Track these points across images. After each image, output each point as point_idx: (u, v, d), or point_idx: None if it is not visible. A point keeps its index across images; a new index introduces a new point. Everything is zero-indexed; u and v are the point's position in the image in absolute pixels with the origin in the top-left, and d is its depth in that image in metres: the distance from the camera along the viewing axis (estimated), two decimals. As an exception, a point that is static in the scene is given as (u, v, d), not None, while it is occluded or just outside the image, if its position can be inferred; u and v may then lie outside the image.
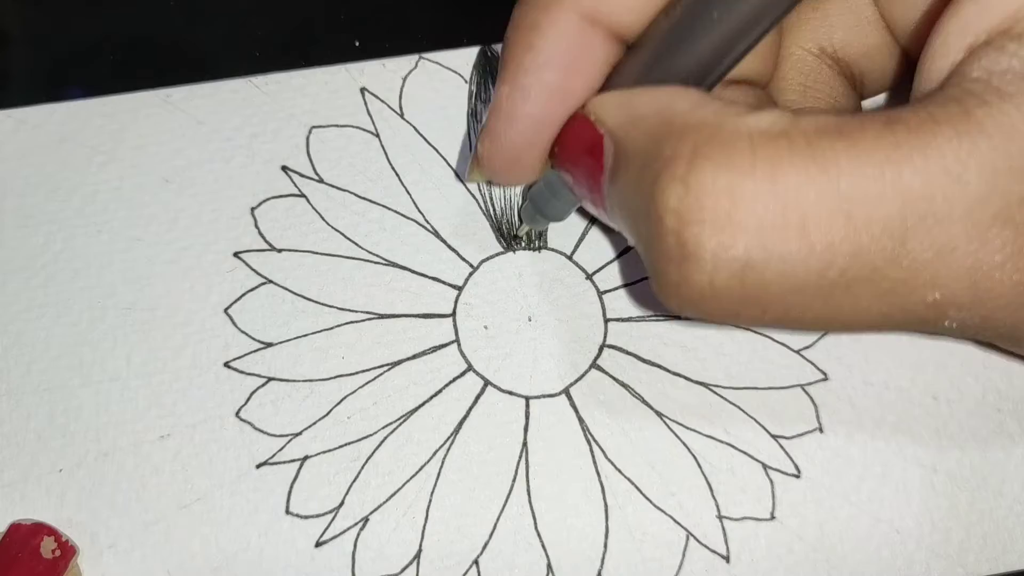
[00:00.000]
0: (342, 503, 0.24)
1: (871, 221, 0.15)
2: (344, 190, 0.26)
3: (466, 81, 0.27)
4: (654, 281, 0.17)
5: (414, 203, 0.26)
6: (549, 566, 0.23)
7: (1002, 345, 0.19)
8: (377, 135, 0.27)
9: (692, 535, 0.23)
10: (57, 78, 0.28)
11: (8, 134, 0.26)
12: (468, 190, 0.26)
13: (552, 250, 0.26)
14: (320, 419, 0.24)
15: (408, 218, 0.26)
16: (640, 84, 0.18)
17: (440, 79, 0.27)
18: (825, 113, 0.16)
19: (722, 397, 0.24)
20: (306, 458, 0.24)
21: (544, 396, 0.24)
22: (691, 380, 0.24)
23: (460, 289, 0.25)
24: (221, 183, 0.26)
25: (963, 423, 0.24)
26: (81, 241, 0.25)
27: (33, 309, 0.25)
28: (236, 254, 0.25)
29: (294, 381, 0.24)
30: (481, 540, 0.23)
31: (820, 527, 0.23)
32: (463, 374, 0.25)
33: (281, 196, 0.26)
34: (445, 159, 0.26)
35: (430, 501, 0.24)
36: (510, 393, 0.24)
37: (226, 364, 0.24)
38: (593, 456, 0.24)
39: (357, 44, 0.28)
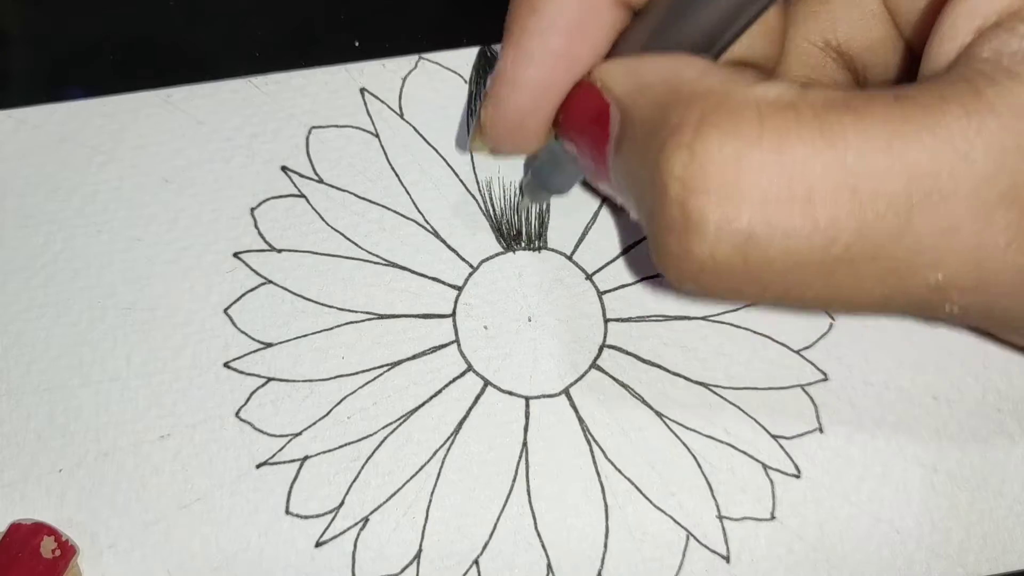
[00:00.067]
0: (342, 503, 0.24)
1: (876, 196, 0.15)
2: (344, 190, 0.26)
3: (466, 81, 0.27)
4: (654, 252, 0.17)
5: (414, 203, 0.26)
6: (549, 566, 0.23)
7: (1002, 334, 0.19)
8: (377, 135, 0.27)
9: (692, 535, 0.23)
10: (57, 78, 0.28)
11: (8, 134, 0.26)
12: (468, 190, 0.26)
13: (552, 250, 0.26)
14: (320, 419, 0.24)
15: (408, 218, 0.26)
16: (647, 51, 0.18)
17: (440, 79, 0.27)
18: (833, 88, 0.16)
19: (722, 397, 0.24)
20: (306, 458, 0.24)
21: (544, 396, 0.24)
22: (691, 380, 0.24)
23: (460, 289, 0.25)
24: (221, 183, 0.26)
25: (963, 423, 0.24)
26: (81, 241, 0.25)
27: (33, 309, 0.25)
28: (236, 254, 0.25)
29: (294, 381, 0.24)
30: (481, 540, 0.23)
31: (820, 527, 0.23)
32: (463, 374, 0.25)
33: (281, 196, 0.26)
34: (445, 159, 0.26)
35: (430, 501, 0.24)
36: (510, 393, 0.24)
37: (226, 364, 0.24)
38: (593, 456, 0.24)
39: (357, 44, 0.28)
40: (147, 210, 0.26)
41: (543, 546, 0.23)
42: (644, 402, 0.24)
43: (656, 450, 0.24)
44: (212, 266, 0.25)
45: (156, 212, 0.26)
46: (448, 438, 0.24)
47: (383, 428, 0.24)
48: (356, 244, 0.26)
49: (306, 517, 0.23)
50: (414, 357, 0.25)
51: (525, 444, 0.24)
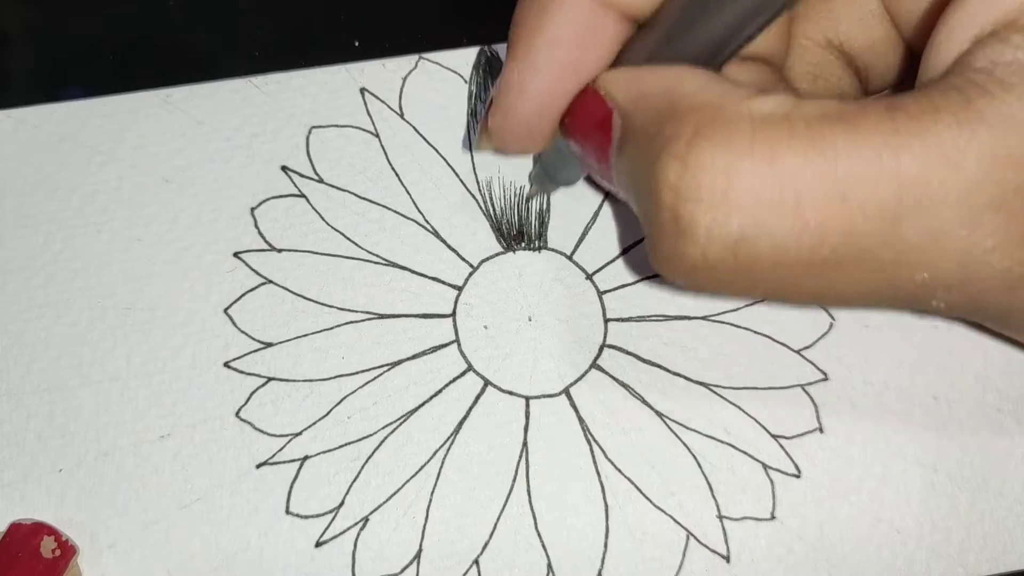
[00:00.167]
0: (342, 503, 0.24)
1: (866, 203, 0.15)
2: (344, 190, 0.26)
3: (466, 81, 0.27)
4: (650, 252, 0.17)
5: (414, 203, 0.26)
6: (549, 566, 0.23)
7: (990, 326, 0.19)
8: (377, 135, 0.27)
9: (692, 535, 0.23)
10: (57, 78, 0.28)
11: (8, 134, 0.26)
12: (468, 190, 0.26)
13: (552, 250, 0.26)
14: (320, 419, 0.24)
15: (408, 218, 0.26)
16: (650, 62, 0.19)
17: (440, 79, 0.27)
18: (829, 99, 0.16)
19: (722, 397, 0.24)
20: (306, 458, 0.24)
21: (544, 396, 0.24)
22: (691, 380, 0.24)
23: (460, 289, 0.25)
24: (221, 183, 0.26)
25: (963, 423, 0.24)
26: (81, 241, 0.25)
27: (33, 309, 0.25)
28: (236, 254, 0.25)
29: (294, 381, 0.24)
30: (481, 540, 0.23)
31: (820, 527, 0.23)
32: (463, 374, 0.25)
33: (281, 196, 0.26)
34: (445, 159, 0.26)
35: (430, 501, 0.24)
36: (510, 393, 0.24)
37: (226, 364, 0.24)
38: (593, 456, 0.24)
39: (357, 44, 0.28)
40: (147, 210, 0.26)
41: (543, 546, 0.23)
42: (644, 402, 0.24)
43: (656, 450, 0.24)
44: (212, 266, 0.25)
45: (156, 212, 0.26)
46: (448, 438, 0.24)
47: (383, 428, 0.24)
48: (356, 244, 0.26)
49: (306, 517, 0.23)
50: (414, 357, 0.25)
51: (525, 444, 0.24)
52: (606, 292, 0.25)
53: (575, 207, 0.26)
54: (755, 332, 0.25)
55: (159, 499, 0.23)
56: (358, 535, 0.23)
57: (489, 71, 0.27)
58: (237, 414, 0.24)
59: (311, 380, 0.24)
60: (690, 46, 0.18)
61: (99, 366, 0.24)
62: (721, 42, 0.18)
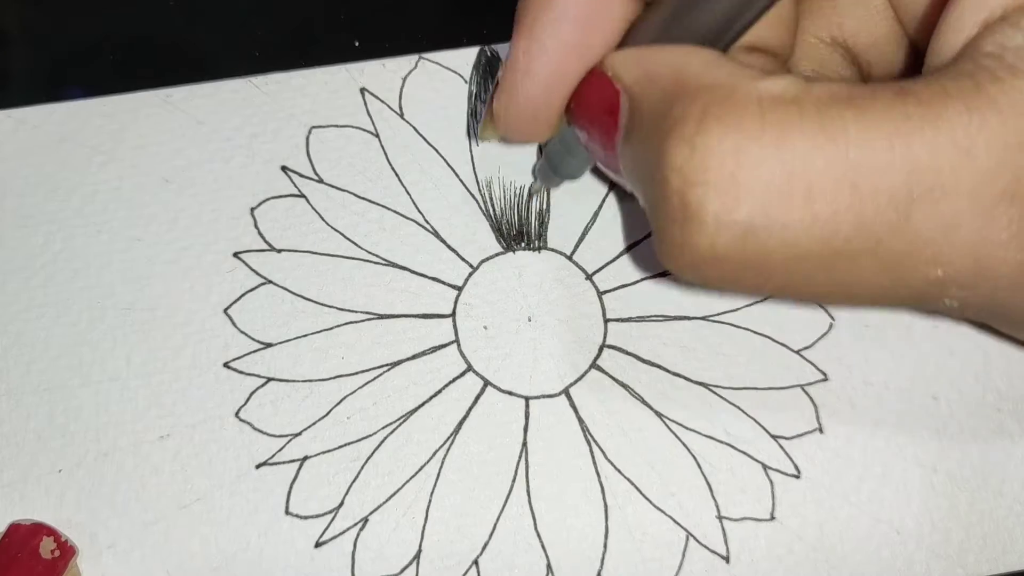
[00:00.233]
0: (342, 503, 0.24)
1: (877, 191, 0.15)
2: (344, 190, 0.26)
3: (466, 81, 0.27)
4: (657, 243, 0.17)
5: (414, 203, 0.26)
6: (549, 566, 0.23)
7: (1001, 328, 0.19)
8: (377, 135, 0.27)
9: (692, 535, 0.23)
10: (57, 78, 0.28)
11: (8, 134, 0.26)
12: (468, 190, 0.26)
13: (552, 250, 0.26)
14: (320, 419, 0.24)
15: (408, 218, 0.26)
16: (657, 42, 0.18)
17: (440, 79, 0.27)
18: (838, 82, 0.16)
19: (722, 397, 0.24)
20: (306, 458, 0.24)
21: (544, 396, 0.24)
22: (691, 380, 0.24)
23: (460, 289, 0.25)
24: (221, 183, 0.26)
25: (963, 423, 0.24)
26: (81, 241, 0.25)
27: (33, 309, 0.25)
28: (236, 254, 0.25)
29: (294, 381, 0.24)
30: (481, 540, 0.23)
31: (820, 527, 0.23)
32: (463, 374, 0.25)
33: (281, 196, 0.26)
34: (445, 159, 0.26)
35: (430, 501, 0.24)
36: (510, 393, 0.24)
37: (226, 364, 0.24)
38: (593, 456, 0.24)
39: (357, 44, 0.28)
40: (147, 210, 0.26)
41: (543, 546, 0.23)
42: (644, 402, 0.24)
43: (656, 450, 0.24)
44: (212, 266, 0.25)
45: (156, 212, 0.26)
46: (448, 438, 0.24)
47: (383, 428, 0.24)
48: (356, 244, 0.26)
49: (306, 517, 0.23)
50: (414, 357, 0.25)
51: (525, 444, 0.24)
52: (606, 292, 0.25)
53: (575, 207, 0.26)
54: (755, 332, 0.25)
55: (159, 499, 0.23)
56: (358, 535, 0.23)
57: (489, 71, 0.27)
58: (237, 414, 0.24)
59: (311, 380, 0.24)
60: (697, 24, 0.18)
61: (99, 366, 0.24)
62: (728, 20, 0.18)
